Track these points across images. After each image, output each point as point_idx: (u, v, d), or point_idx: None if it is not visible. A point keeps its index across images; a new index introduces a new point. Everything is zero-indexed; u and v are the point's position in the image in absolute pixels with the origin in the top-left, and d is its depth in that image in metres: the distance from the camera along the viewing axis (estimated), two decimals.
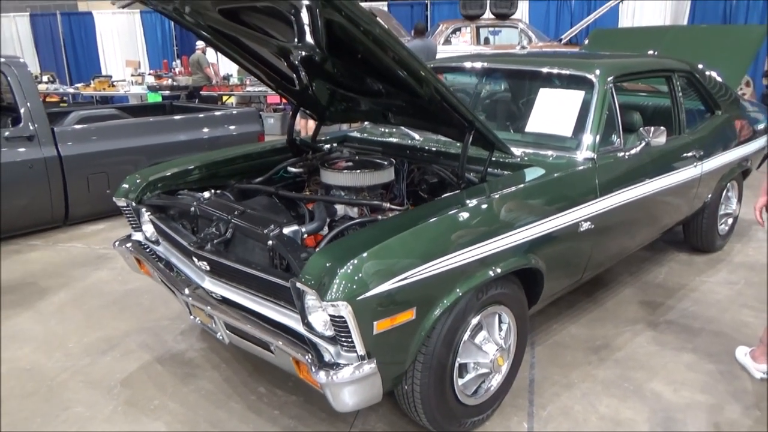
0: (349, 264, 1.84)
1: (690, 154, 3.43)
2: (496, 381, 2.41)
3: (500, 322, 2.38)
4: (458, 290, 2.08)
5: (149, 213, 2.83)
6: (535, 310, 2.72)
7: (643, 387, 2.66)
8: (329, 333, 1.95)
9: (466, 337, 2.20)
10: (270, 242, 2.16)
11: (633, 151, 2.96)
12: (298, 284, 1.89)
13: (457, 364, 2.20)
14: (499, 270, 2.21)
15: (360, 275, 1.84)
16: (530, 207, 2.42)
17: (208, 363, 2.94)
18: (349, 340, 1.86)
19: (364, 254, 1.88)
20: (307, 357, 1.91)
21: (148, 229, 2.92)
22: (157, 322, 3.38)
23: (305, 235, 2.32)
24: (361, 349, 1.87)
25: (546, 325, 3.20)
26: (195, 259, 2.42)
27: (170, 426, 2.47)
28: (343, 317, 1.81)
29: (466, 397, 2.29)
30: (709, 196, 3.84)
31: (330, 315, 1.83)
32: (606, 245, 2.93)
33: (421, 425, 2.29)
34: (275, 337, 2.05)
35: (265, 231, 2.21)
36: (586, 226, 2.63)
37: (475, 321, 2.23)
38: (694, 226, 4.02)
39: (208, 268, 2.38)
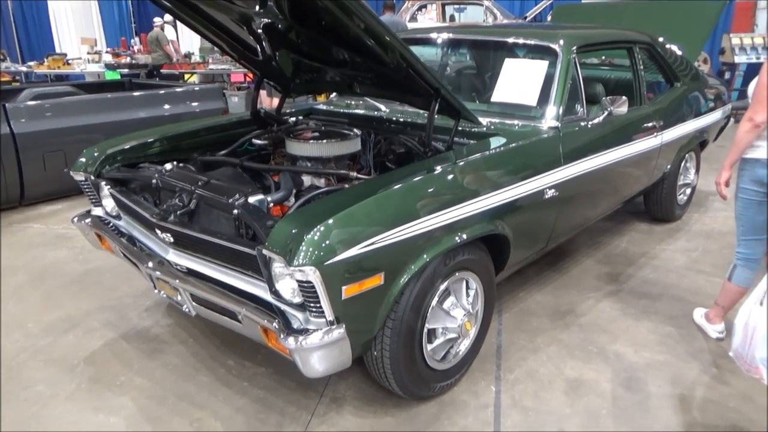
0: (315, 230, 1.82)
1: (650, 124, 3.50)
2: (464, 346, 2.44)
3: (468, 288, 2.41)
4: (425, 256, 2.08)
5: (109, 187, 2.76)
6: (502, 278, 2.76)
7: (606, 349, 2.73)
8: (297, 300, 1.94)
9: (434, 302, 2.22)
10: (235, 211, 2.12)
11: (596, 121, 3.00)
12: (265, 251, 1.87)
13: (425, 330, 2.21)
14: (465, 236, 2.22)
15: (327, 241, 1.82)
16: (496, 174, 2.43)
17: (175, 338, 2.90)
18: (318, 305, 1.85)
19: (331, 220, 1.86)
20: (275, 324, 1.90)
21: (109, 203, 2.84)
22: (120, 300, 3.31)
23: (271, 204, 2.29)
24: (329, 315, 1.86)
25: (512, 293, 3.25)
26: (158, 232, 2.37)
27: (137, 401, 2.43)
28: (310, 283, 1.79)
29: (435, 362, 2.32)
30: (668, 166, 3.94)
31: (298, 281, 1.82)
32: (570, 213, 2.98)
33: (391, 390, 2.31)
34: (242, 305, 2.03)
35: (230, 200, 2.17)
36: (550, 193, 2.66)
37: (443, 287, 2.24)
38: (655, 196, 4.12)
39: (171, 240, 2.33)
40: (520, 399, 2.40)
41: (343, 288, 1.87)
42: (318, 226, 1.83)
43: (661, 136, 3.59)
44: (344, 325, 1.89)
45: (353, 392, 2.45)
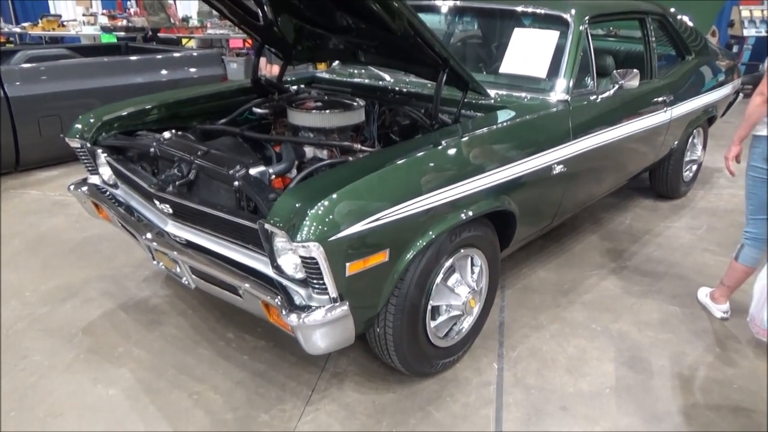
0: (319, 204, 1.77)
1: (661, 99, 3.41)
2: (467, 323, 2.41)
3: (472, 264, 2.36)
4: (431, 232, 2.03)
5: (105, 154, 2.68)
6: (507, 254, 2.72)
7: (610, 328, 2.71)
8: (300, 276, 1.89)
9: (438, 279, 2.17)
10: (236, 183, 2.06)
11: (606, 95, 2.92)
12: (267, 226, 1.81)
13: (429, 307, 2.18)
14: (471, 212, 2.17)
15: (331, 216, 1.77)
16: (504, 149, 2.37)
17: (174, 310, 2.86)
18: (321, 282, 1.80)
19: (335, 194, 1.80)
20: (277, 300, 1.85)
21: (105, 171, 2.77)
22: (119, 270, 3.26)
23: (273, 177, 2.23)
24: (333, 292, 1.82)
25: (515, 270, 3.22)
26: (157, 202, 2.31)
27: (136, 373, 2.41)
28: (314, 259, 1.74)
29: (438, 339, 2.29)
30: (676, 142, 3.87)
31: (301, 257, 1.77)
32: (577, 189, 2.92)
33: (393, 367, 2.28)
34: (244, 280, 1.98)
35: (231, 172, 2.10)
36: (558, 169, 2.60)
37: (447, 264, 2.20)
38: (660, 172, 4.06)
39: (170, 211, 2.28)
40: (522, 377, 2.38)
41: (348, 264, 1.82)
42: (322, 201, 1.77)
43: (670, 111, 3.51)
44: (348, 302, 1.85)
45: (354, 368, 2.43)
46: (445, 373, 2.39)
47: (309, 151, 2.56)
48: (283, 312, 1.82)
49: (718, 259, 3.38)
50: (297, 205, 1.78)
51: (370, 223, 1.84)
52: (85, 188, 2.77)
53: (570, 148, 2.65)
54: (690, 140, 4.07)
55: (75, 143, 2.76)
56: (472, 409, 2.20)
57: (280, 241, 1.89)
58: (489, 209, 2.26)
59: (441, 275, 2.18)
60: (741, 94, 4.79)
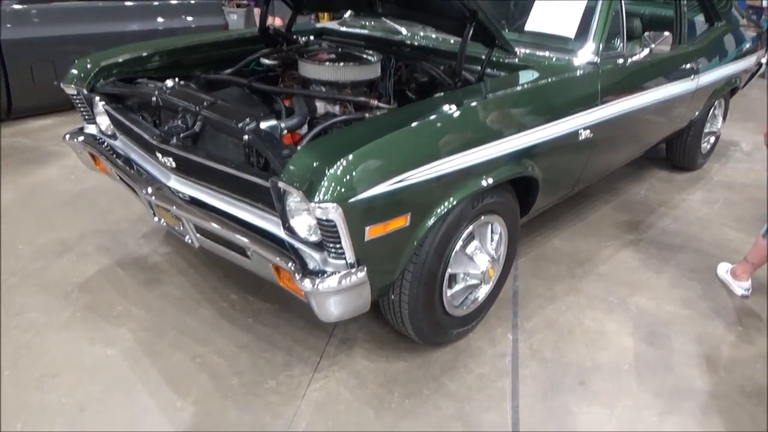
0: (339, 163, 1.63)
1: (689, 66, 3.25)
2: (483, 292, 2.31)
3: (492, 232, 2.25)
4: (454, 197, 1.91)
5: (103, 103, 2.52)
6: (522, 222, 2.59)
7: (627, 301, 2.62)
8: (314, 239, 1.77)
9: (458, 246, 2.06)
10: (246, 137, 1.91)
11: (635, 58, 2.76)
12: (281, 184, 1.68)
13: (447, 275, 2.07)
14: (496, 177, 2.04)
15: (351, 176, 1.63)
16: (530, 111, 2.22)
17: (174, 268, 2.75)
18: (338, 246, 1.68)
19: (356, 153, 1.66)
20: (290, 264, 1.73)
21: (103, 121, 2.61)
22: (116, 225, 3.13)
23: (284, 131, 2.08)
24: (350, 257, 1.70)
25: (529, 238, 3.11)
26: (159, 155, 2.16)
27: (135, 333, 2.30)
28: (332, 221, 1.62)
29: (453, 308, 2.19)
30: (697, 112, 3.72)
31: (317, 219, 1.64)
32: (600, 157, 2.78)
33: (406, 336, 2.19)
34: (253, 241, 1.86)
35: (240, 124, 1.96)
36: (584, 134, 2.46)
37: (468, 230, 2.08)
38: (679, 143, 3.92)
39: (174, 165, 2.13)
40: (538, 349, 2.29)
41: (367, 228, 1.70)
42: (342, 159, 1.63)
43: (698, 79, 3.36)
44: (365, 268, 1.73)
45: (364, 334, 2.33)
46: (458, 342, 2.30)
47: (320, 106, 2.41)
48: (297, 277, 1.70)
49: (736, 234, 3.27)
50: (314, 163, 1.64)
51: (391, 185, 1.71)
52: (81, 138, 2.61)
53: (597, 113, 2.50)
54: (711, 111, 3.92)
55: (71, 90, 2.59)
56: (488, 380, 2.12)
57: (293, 201, 1.76)
58: (513, 174, 2.13)
59: (460, 242, 2.06)
60: (764, 65, 4.62)
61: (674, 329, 2.44)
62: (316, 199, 1.59)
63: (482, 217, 2.13)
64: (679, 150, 3.98)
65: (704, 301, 2.65)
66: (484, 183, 1.99)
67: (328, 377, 2.11)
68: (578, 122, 2.41)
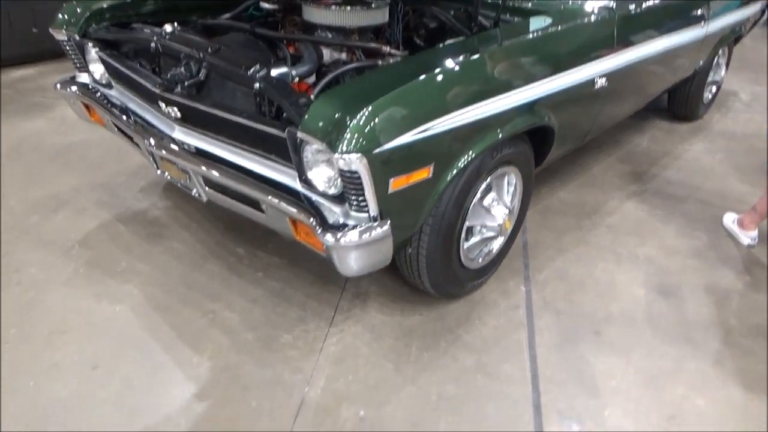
0: (363, 112, 1.55)
1: (699, 12, 3.17)
2: (497, 244, 2.28)
3: (507, 184, 2.20)
4: (476, 147, 1.85)
5: (97, 49, 2.38)
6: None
7: (636, 252, 2.62)
8: (334, 191, 1.70)
9: (476, 198, 2.01)
10: (257, 85, 1.82)
11: (650, 3, 2.67)
12: (300, 134, 1.60)
13: (465, 227, 2.03)
14: (516, 126, 1.98)
15: (374, 126, 1.56)
16: (549, 58, 2.14)
17: (176, 222, 2.67)
18: (361, 199, 1.62)
19: (379, 102, 1.58)
20: (311, 219, 1.67)
21: (97, 69, 2.48)
22: (111, 178, 3.03)
23: (295, 79, 1.99)
24: (373, 210, 1.64)
25: (535, 190, 3.00)
26: (162, 105, 2.05)
27: (142, 289, 2.25)
28: (356, 173, 1.55)
29: (469, 260, 2.16)
30: (702, 61, 3.65)
31: (340, 170, 1.57)
32: (612, 106, 2.73)
33: (420, 289, 2.16)
34: (269, 194, 1.79)
35: (250, 72, 1.86)
36: (600, 83, 2.39)
37: (486, 182, 2.03)
38: (682, 92, 3.87)
39: (178, 115, 2.03)
40: (551, 300, 2.29)
41: (391, 180, 1.64)
42: (365, 109, 1.55)
43: (707, 26, 3.28)
44: (389, 221, 1.68)
45: (377, 288, 2.30)
46: (472, 295, 2.28)
47: (326, 54, 2.30)
48: (318, 231, 1.65)
49: (739, 184, 3.27)
50: (336, 112, 1.56)
51: (415, 135, 1.64)
52: (74, 88, 2.48)
53: (613, 60, 2.43)
54: (715, 60, 3.86)
55: (61, 35, 2.44)
56: (504, 332, 2.12)
57: (312, 152, 1.68)
58: (532, 124, 2.07)
59: (479, 194, 2.02)
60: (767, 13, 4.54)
61: (684, 279, 2.45)
62: (340, 149, 1.52)
63: (499, 169, 2.08)
64: (681, 99, 3.93)
65: (711, 250, 2.66)
66: (504, 133, 1.93)
67: (344, 331, 2.09)
68: (594, 70, 2.34)
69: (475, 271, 2.23)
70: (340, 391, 1.84)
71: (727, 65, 4.20)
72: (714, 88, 4.17)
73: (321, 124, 1.56)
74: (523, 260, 2.52)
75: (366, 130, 1.54)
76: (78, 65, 2.54)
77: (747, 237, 2.70)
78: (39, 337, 2.01)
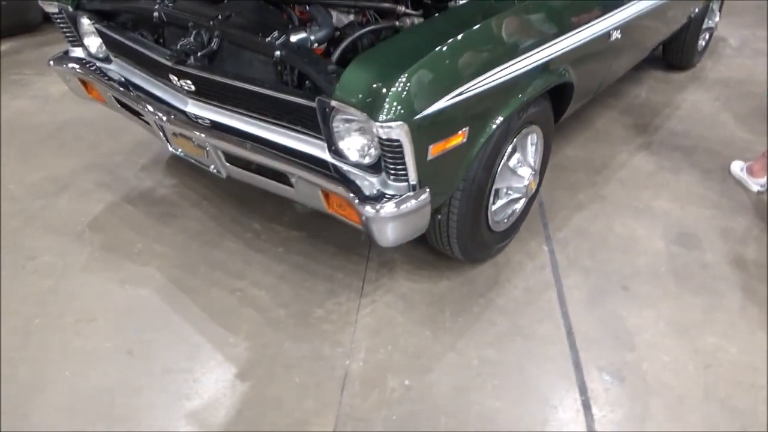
0: (400, 78, 1.50)
1: None
2: (519, 205, 2.27)
3: (530, 144, 2.18)
4: (507, 108, 1.81)
5: (92, 21, 2.26)
6: None
7: (652, 205, 2.63)
8: (368, 161, 1.66)
9: (504, 160, 1.99)
10: (277, 53, 1.74)
11: None
12: (334, 103, 1.54)
13: (493, 190, 2.01)
14: (543, 84, 1.95)
15: (413, 91, 1.51)
16: (569, 13, 2.08)
17: (186, 200, 2.60)
18: (400, 167, 1.58)
19: (415, 67, 1.53)
20: (349, 191, 1.63)
21: (93, 42, 2.36)
22: (109, 158, 2.93)
23: (315, 44, 1.91)
24: (413, 178, 1.61)
25: None
26: (174, 78, 1.96)
27: (164, 271, 2.20)
28: (397, 141, 1.51)
29: (495, 223, 2.15)
30: (697, 8, 3.63)
31: (380, 139, 1.52)
32: (624, 57, 2.71)
33: (447, 255, 2.15)
34: (297, 166, 1.73)
35: (269, 39, 1.78)
36: (615, 35, 2.36)
37: (512, 143, 2.00)
38: (678, 40, 3.84)
39: (192, 88, 1.94)
40: (576, 258, 2.30)
41: (430, 147, 1.60)
42: (402, 75, 1.50)
43: None
44: (428, 189, 1.65)
45: (401, 256, 2.29)
46: (497, 258, 2.28)
47: (335, 16, 2.21)
48: (356, 203, 1.61)
49: (741, 131, 3.30)
50: (372, 79, 1.50)
51: (451, 99, 1.60)
52: (71, 64, 2.35)
53: (626, 12, 2.39)
54: (710, 4, 3.83)
55: (51, 8, 2.31)
56: (534, 293, 2.12)
57: (343, 122, 1.63)
58: (556, 81, 2.04)
59: (506, 156, 1.99)
60: None
61: (701, 229, 2.48)
62: (381, 118, 1.47)
63: (524, 129, 2.05)
64: (677, 48, 3.91)
65: (723, 199, 2.69)
66: (531, 91, 1.89)
67: (375, 302, 2.07)
68: (610, 23, 2.30)
69: (501, 234, 2.22)
70: (382, 362, 1.84)
71: (720, 10, 4.18)
72: (707, 35, 4.16)
73: (357, 92, 1.50)
74: (541, 220, 2.52)
75: (405, 97, 1.49)
76: (71, 39, 2.41)
77: (756, 184, 2.73)
78: (66, 325, 1.96)
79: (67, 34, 2.39)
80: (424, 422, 1.67)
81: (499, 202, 2.13)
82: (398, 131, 1.49)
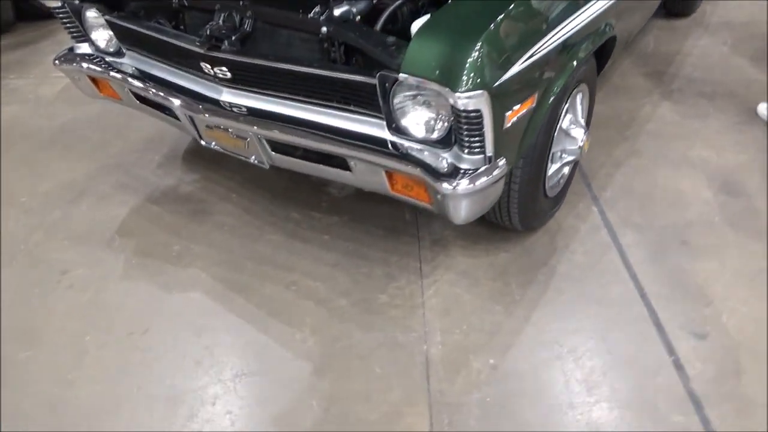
0: (475, 45, 1.40)
1: None
2: (567, 169, 2.21)
3: (578, 103, 2.10)
4: (569, 67, 1.74)
5: (99, 14, 2.10)
6: None
7: (689, 155, 2.59)
8: (436, 135, 1.57)
9: (560, 122, 1.91)
10: (324, 29, 1.63)
11: None
12: (404, 77, 1.44)
13: (551, 155, 1.94)
14: (597, 40, 1.88)
15: (490, 58, 1.43)
16: None
17: (213, 195, 2.48)
18: (478, 139, 1.49)
19: (489, 32, 1.43)
20: (422, 169, 1.53)
21: (101, 36, 2.20)
22: (122, 158, 2.77)
23: (357, 17, 1.79)
24: (490, 149, 1.52)
25: None
26: (206, 66, 1.83)
27: (209, 271, 2.09)
28: (477, 112, 1.42)
29: (550, 189, 2.08)
30: None
31: (459, 111, 1.43)
32: (648, 6, 2.63)
33: (503, 226, 2.08)
34: (361, 150, 1.63)
35: (311, 15, 1.66)
36: None
37: (566, 104, 1.93)
38: None
39: (228, 75, 1.82)
40: (627, 217, 2.25)
41: (507, 114, 1.51)
42: (477, 41, 1.41)
43: None
44: (504, 160, 1.57)
45: (452, 232, 2.21)
46: (548, 225, 2.22)
47: None
48: (433, 181, 1.52)
49: (756, 73, 3.27)
50: (444, 49, 1.41)
51: (525, 62, 1.52)
52: (83, 62, 2.19)
53: None
54: None
55: (53, 2, 2.13)
56: (595, 256, 2.08)
57: (405, 97, 1.53)
58: (607, 36, 1.96)
59: (562, 118, 1.92)
60: None
61: (744, 175, 2.45)
62: (461, 88, 1.38)
63: (575, 88, 1.98)
64: None
65: (757, 142, 2.66)
66: (590, 46, 1.82)
67: (437, 281, 2.00)
68: None
69: (554, 199, 2.16)
70: (461, 343, 1.78)
71: None
72: None
73: (429, 64, 1.41)
74: (583, 181, 2.46)
75: (483, 65, 1.40)
76: (75, 35, 2.24)
77: None
78: (119, 339, 1.85)
79: (71, 30, 2.23)
80: (518, 401, 1.62)
81: (553, 167, 2.06)
82: (479, 101, 1.40)
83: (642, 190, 2.39)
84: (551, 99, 1.70)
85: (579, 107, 2.09)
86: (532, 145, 1.79)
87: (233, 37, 1.76)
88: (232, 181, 2.55)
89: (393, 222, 2.26)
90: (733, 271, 1.99)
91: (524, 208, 1.95)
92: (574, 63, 1.75)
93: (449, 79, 1.38)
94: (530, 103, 1.61)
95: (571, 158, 2.08)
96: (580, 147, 2.05)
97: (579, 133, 2.03)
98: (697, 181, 2.43)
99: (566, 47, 1.69)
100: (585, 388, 1.64)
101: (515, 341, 1.78)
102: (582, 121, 2.10)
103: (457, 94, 1.38)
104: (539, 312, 1.87)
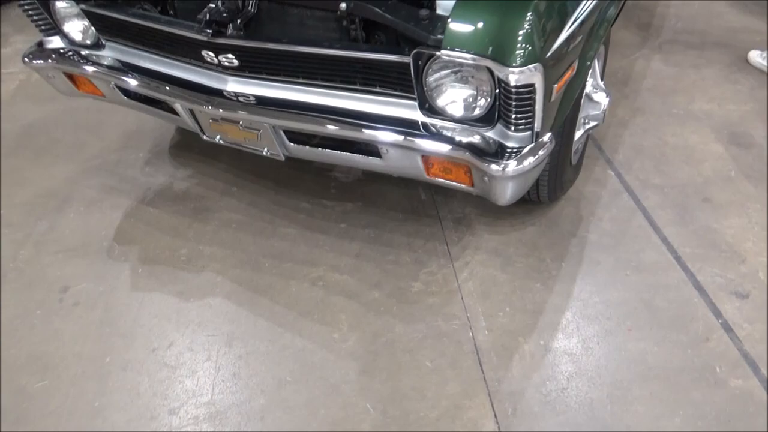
0: (526, 15, 1.30)
1: None
2: (582, 135, 2.15)
3: (596, 66, 2.03)
4: (600, 31, 1.66)
5: (72, 3, 1.89)
6: None
7: (691, 109, 2.58)
8: (477, 113, 1.47)
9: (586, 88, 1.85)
10: (343, 5, 1.49)
11: None
12: (446, 53, 1.33)
13: (578, 123, 1.87)
14: (621, 3, 1.79)
15: (539, 29, 1.32)
16: None
17: (213, 191, 2.33)
18: (527, 115, 1.40)
19: (535, 2, 1.33)
20: (468, 151, 1.44)
21: (75, 27, 1.98)
22: (103, 158, 2.57)
23: None
24: (538, 125, 1.44)
25: None
26: (209, 54, 1.67)
27: (225, 274, 1.96)
28: (530, 86, 1.33)
29: (573, 156, 2.02)
30: None
31: (511, 86, 1.33)
32: None
33: (533, 200, 2.02)
34: (398, 135, 1.52)
35: None
36: None
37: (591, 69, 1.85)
38: None
39: (235, 62, 1.66)
40: (645, 178, 2.22)
41: (555, 86, 1.43)
42: (526, 11, 1.30)
43: None
44: (551, 135, 1.49)
45: (473, 209, 2.14)
46: (569, 193, 2.17)
47: None
48: (480, 163, 1.43)
49: (740, 19, 3.27)
50: (492, 21, 1.30)
51: (568, 29, 1.43)
52: (54, 57, 1.97)
53: None
54: None
55: None
56: (622, 222, 2.04)
57: (440, 76, 1.43)
58: None
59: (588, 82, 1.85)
60: None
61: (749, 125, 2.46)
62: (515, 62, 1.28)
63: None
64: None
65: (756, 90, 2.67)
66: (620, 3, 1.75)
67: (469, 263, 1.93)
68: None
69: (575, 168, 2.11)
70: (507, 326, 1.72)
71: None
72: None
73: (475, 38, 1.30)
74: (594, 144, 2.42)
75: (534, 36, 1.30)
76: (44, 28, 2.02)
77: None
78: (143, 357, 1.72)
79: (39, 22, 2.00)
80: (578, 381, 1.58)
81: (577, 134, 1.99)
82: (533, 74, 1.31)
83: (653, 149, 2.36)
84: (587, 64, 1.62)
85: (597, 70, 2.02)
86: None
87: (237, 20, 1.60)
88: (228, 173, 2.39)
89: (410, 203, 2.17)
90: (760, 225, 1.99)
91: (553, 180, 1.89)
92: (606, 26, 1.67)
93: (500, 54, 1.28)
94: (572, 72, 1.53)
95: (594, 123, 2.02)
96: (604, 111, 1.99)
97: (601, 97, 1.97)
98: (705, 136, 2.42)
99: (598, 11, 1.60)
100: (640, 362, 1.61)
101: (560, 318, 1.74)
102: (602, 84, 2.03)
103: (510, 69, 1.28)
104: (579, 285, 1.83)
